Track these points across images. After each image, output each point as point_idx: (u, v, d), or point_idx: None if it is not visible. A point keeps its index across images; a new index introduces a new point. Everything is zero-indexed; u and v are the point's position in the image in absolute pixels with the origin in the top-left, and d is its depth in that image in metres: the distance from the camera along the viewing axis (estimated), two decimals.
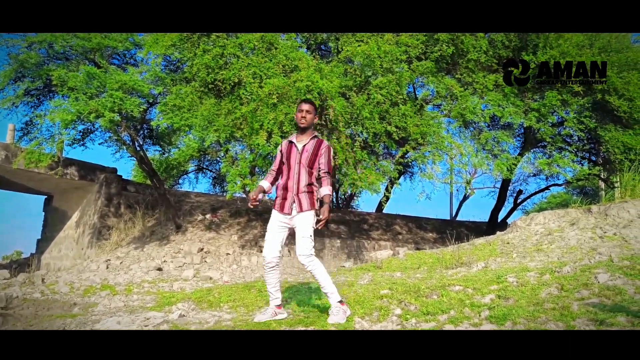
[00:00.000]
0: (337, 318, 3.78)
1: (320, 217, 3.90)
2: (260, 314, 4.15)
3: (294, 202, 3.96)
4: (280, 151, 4.16)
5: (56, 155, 11.49)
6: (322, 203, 3.95)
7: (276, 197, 4.12)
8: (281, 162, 4.15)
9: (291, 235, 4.08)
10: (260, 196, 4.15)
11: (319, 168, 4.03)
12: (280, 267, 4.02)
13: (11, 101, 11.78)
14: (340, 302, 3.91)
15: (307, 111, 4.04)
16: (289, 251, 12.30)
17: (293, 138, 4.14)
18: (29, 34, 11.49)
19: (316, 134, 4.15)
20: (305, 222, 3.91)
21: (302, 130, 4.09)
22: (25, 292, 9.55)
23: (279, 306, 4.11)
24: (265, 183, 4.20)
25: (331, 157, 4.11)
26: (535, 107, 10.08)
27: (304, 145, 4.03)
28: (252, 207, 4.08)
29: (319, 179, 4.05)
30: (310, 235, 3.89)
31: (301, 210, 3.93)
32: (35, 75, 11.59)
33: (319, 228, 3.92)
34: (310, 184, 3.98)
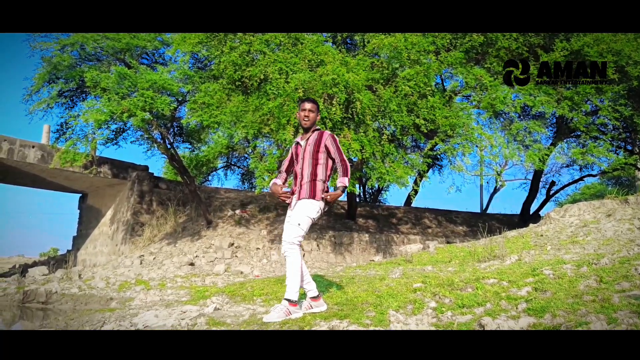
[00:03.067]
0: (274, 315, 3.77)
1: (327, 197, 3.91)
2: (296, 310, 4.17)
3: (296, 193, 3.99)
4: (291, 154, 4.21)
5: (90, 155, 11.80)
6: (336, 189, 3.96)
7: None
8: (291, 164, 4.20)
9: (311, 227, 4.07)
10: (282, 188, 4.12)
11: (333, 159, 4.03)
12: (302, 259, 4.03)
13: (46, 103, 12.14)
14: (291, 302, 3.85)
15: (309, 110, 4.03)
16: (317, 246, 12.35)
17: (299, 139, 4.18)
18: (61, 37, 11.81)
19: (318, 127, 4.17)
20: (300, 210, 3.89)
21: (305, 130, 4.12)
22: (64, 288, 9.88)
23: (315, 298, 4.12)
24: (277, 181, 4.17)
25: (339, 144, 4.07)
26: (568, 96, 9.82)
27: (307, 140, 4.07)
28: (285, 199, 4.04)
29: (335, 170, 4.09)
30: (300, 224, 3.82)
31: (299, 198, 3.93)
32: (69, 77, 11.90)
33: (322, 198, 3.91)
34: (313, 175, 3.97)
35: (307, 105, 4.05)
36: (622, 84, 9.80)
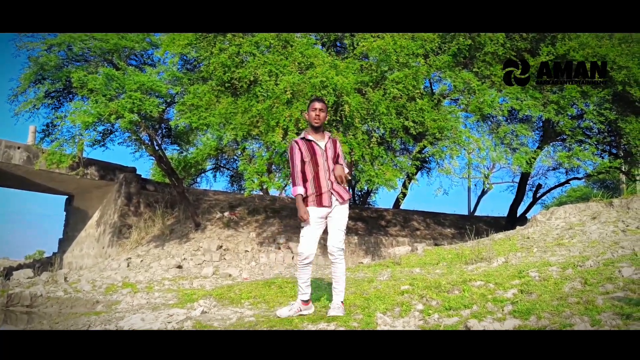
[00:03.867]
0: (339, 311, 3.94)
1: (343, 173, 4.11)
2: (283, 308, 4.21)
3: (332, 195, 4.04)
4: (300, 152, 4.04)
5: (77, 156, 11.67)
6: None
7: (309, 195, 4.02)
8: (303, 162, 4.04)
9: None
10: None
11: (339, 163, 4.20)
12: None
13: (32, 103, 11.98)
14: (341, 302, 4.09)
15: (320, 109, 4.06)
16: None
17: (309, 136, 4.08)
18: (48, 37, 11.68)
19: (327, 132, 4.27)
20: (343, 215, 4.05)
21: (316, 129, 4.11)
22: (49, 291, 9.76)
23: (306, 302, 4.15)
24: (301, 189, 4.02)
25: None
26: (554, 100, 9.93)
27: (325, 144, 4.10)
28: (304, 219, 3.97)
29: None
30: (345, 230, 4.04)
31: (343, 200, 4.05)
32: (55, 78, 11.77)
33: (347, 176, 4.12)
34: (334, 178, 4.11)
35: (318, 105, 4.08)
36: (607, 88, 9.95)
